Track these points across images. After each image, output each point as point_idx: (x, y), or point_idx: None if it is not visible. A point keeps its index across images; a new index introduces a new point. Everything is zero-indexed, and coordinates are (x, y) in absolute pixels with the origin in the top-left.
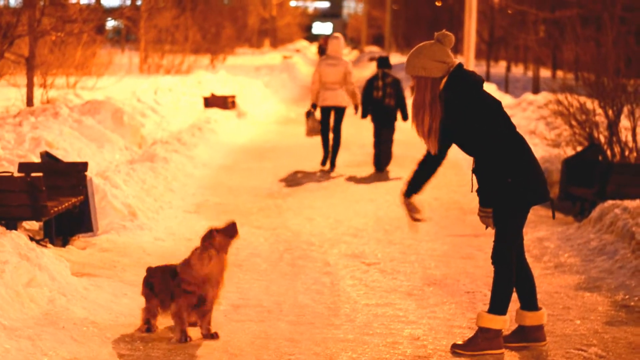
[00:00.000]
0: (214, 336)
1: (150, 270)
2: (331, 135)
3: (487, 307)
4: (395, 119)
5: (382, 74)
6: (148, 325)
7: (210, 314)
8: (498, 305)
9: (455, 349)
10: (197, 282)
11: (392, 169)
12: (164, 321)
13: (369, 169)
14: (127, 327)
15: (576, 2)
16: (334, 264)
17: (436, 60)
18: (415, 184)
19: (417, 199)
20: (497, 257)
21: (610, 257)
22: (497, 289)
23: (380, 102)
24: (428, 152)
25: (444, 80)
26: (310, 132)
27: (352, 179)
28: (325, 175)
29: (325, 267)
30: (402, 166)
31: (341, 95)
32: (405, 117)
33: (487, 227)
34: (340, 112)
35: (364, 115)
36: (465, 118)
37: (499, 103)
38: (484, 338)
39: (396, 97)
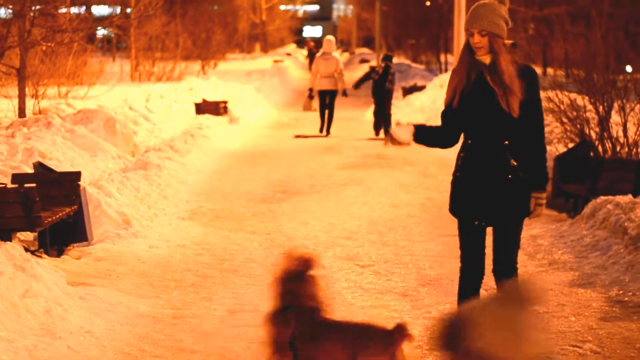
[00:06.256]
0: None
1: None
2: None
3: None
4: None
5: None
6: None
7: None
8: None
9: None
10: None
11: (384, 170)
12: (160, 326)
13: (362, 172)
14: (123, 336)
15: (564, 0)
16: (329, 267)
17: (505, 21)
18: (430, 134)
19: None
20: (514, 269)
21: (604, 253)
22: None
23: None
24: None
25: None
26: (305, 109)
27: (345, 182)
28: (318, 179)
29: (320, 271)
30: (393, 167)
31: (333, 82)
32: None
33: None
34: (332, 94)
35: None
36: (529, 95)
37: None
38: None
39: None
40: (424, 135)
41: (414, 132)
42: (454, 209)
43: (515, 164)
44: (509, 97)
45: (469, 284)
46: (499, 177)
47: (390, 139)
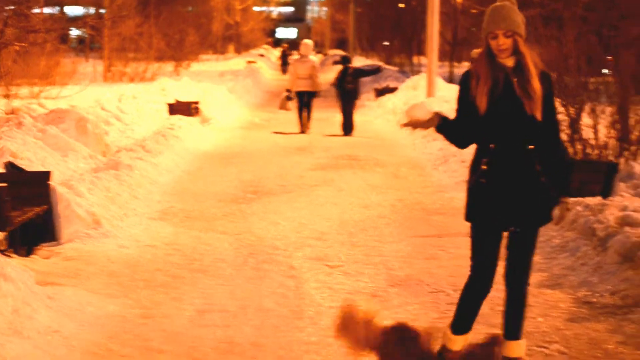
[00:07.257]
0: None
1: None
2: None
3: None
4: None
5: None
6: None
7: None
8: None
9: None
10: None
11: (356, 170)
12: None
13: (333, 173)
14: (92, 335)
15: (538, 2)
16: (299, 268)
17: (522, 21)
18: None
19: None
20: (529, 276)
21: (573, 254)
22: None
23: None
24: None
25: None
26: (280, 107)
27: (316, 182)
28: (289, 180)
29: (290, 271)
30: (364, 168)
31: (310, 83)
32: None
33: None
34: (310, 94)
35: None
36: (547, 101)
37: None
38: None
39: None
40: (447, 125)
41: (437, 117)
42: (477, 215)
43: (539, 168)
44: (533, 100)
45: (476, 295)
46: (526, 181)
47: (408, 120)
